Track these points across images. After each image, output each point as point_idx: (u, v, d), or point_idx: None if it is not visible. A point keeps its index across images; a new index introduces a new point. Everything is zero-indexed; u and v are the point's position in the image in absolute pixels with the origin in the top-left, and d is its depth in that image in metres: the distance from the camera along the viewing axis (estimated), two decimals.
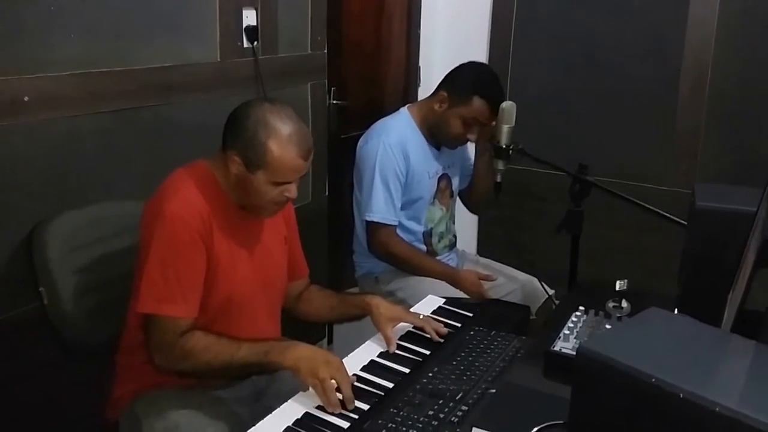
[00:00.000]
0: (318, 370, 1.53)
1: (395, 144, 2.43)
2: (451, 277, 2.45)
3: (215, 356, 1.61)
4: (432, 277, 2.46)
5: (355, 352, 1.76)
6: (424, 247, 2.58)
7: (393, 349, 1.74)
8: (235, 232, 1.72)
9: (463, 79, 2.45)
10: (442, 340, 1.79)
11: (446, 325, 1.90)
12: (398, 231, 2.51)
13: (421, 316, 1.85)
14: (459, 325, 1.90)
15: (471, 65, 2.52)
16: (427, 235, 2.59)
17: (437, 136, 2.52)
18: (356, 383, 1.57)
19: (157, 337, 1.63)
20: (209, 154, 1.73)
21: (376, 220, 2.44)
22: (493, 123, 2.42)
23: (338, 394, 1.51)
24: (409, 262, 2.48)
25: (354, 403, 1.51)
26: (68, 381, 1.97)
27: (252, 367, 1.65)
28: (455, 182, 2.67)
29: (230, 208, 1.72)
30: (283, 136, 1.61)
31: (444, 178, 2.60)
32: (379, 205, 2.43)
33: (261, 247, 1.79)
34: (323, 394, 1.50)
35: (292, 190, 1.68)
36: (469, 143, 2.60)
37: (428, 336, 1.80)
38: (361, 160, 2.49)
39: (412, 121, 2.52)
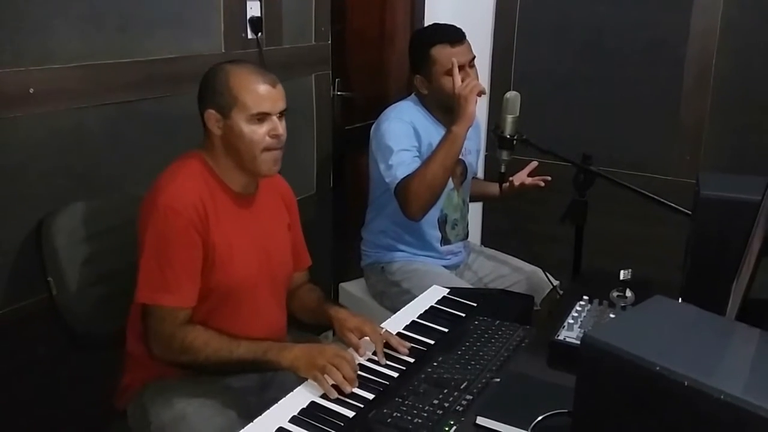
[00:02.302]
0: (316, 360, 1.55)
1: (407, 122, 2.43)
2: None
3: (214, 352, 1.63)
4: None
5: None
6: (438, 234, 2.58)
7: (362, 353, 1.67)
8: (235, 218, 1.74)
9: (414, 53, 2.52)
10: (408, 359, 1.67)
11: (450, 315, 1.90)
12: None
13: (383, 331, 1.73)
14: (463, 315, 1.90)
15: (409, 41, 2.60)
16: (442, 222, 2.58)
17: (452, 105, 2.35)
18: (360, 372, 1.58)
19: (154, 327, 1.64)
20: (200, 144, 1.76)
21: (404, 175, 2.31)
22: (471, 55, 2.43)
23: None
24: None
25: (356, 382, 1.53)
26: (76, 370, 1.98)
27: (249, 365, 1.66)
28: (471, 169, 2.66)
29: (228, 195, 1.74)
30: (242, 70, 1.70)
31: (459, 163, 2.58)
32: (403, 159, 2.34)
33: (264, 233, 1.81)
34: (325, 384, 1.52)
35: (276, 126, 1.69)
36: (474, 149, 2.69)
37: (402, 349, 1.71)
38: (375, 140, 2.44)
39: (421, 106, 2.52)
